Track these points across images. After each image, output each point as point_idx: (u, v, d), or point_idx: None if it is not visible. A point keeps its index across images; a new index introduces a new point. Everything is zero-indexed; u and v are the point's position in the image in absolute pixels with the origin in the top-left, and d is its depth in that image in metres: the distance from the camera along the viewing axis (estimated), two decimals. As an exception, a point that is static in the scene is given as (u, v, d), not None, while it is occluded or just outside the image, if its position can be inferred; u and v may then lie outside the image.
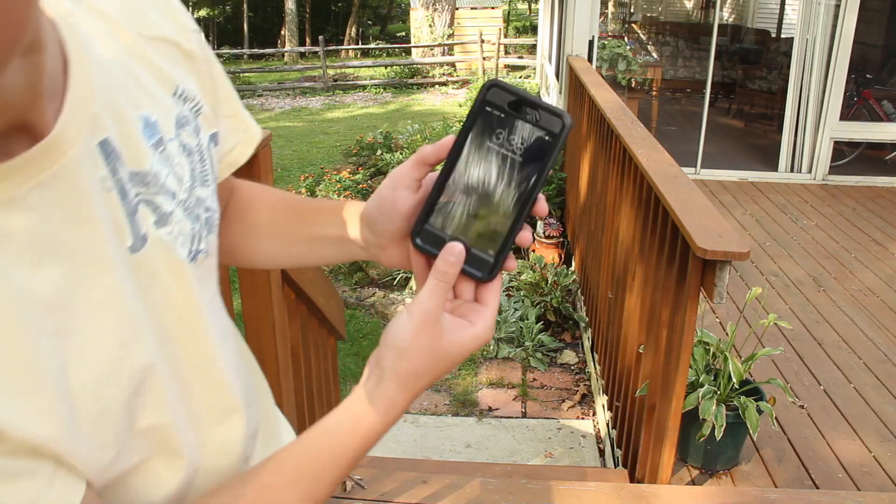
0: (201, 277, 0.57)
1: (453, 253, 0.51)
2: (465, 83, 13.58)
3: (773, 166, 5.88)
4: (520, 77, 12.45)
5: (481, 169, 0.51)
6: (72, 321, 0.44)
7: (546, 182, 0.53)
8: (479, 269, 0.52)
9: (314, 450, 0.54)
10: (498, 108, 0.50)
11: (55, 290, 0.43)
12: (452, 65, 14.85)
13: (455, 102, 12.09)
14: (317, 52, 14.41)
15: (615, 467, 2.66)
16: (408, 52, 16.33)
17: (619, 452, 2.63)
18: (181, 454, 0.53)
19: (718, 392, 2.20)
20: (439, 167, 0.54)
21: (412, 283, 4.73)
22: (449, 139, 0.52)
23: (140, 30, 0.54)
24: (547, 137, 0.50)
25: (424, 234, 0.53)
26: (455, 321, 0.53)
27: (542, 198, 0.52)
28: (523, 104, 0.50)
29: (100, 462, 0.46)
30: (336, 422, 0.54)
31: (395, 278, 5.01)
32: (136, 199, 0.49)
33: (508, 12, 22.69)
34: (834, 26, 5.38)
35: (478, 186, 0.51)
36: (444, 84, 14.02)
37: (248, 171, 1.64)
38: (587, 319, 3.86)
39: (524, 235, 0.52)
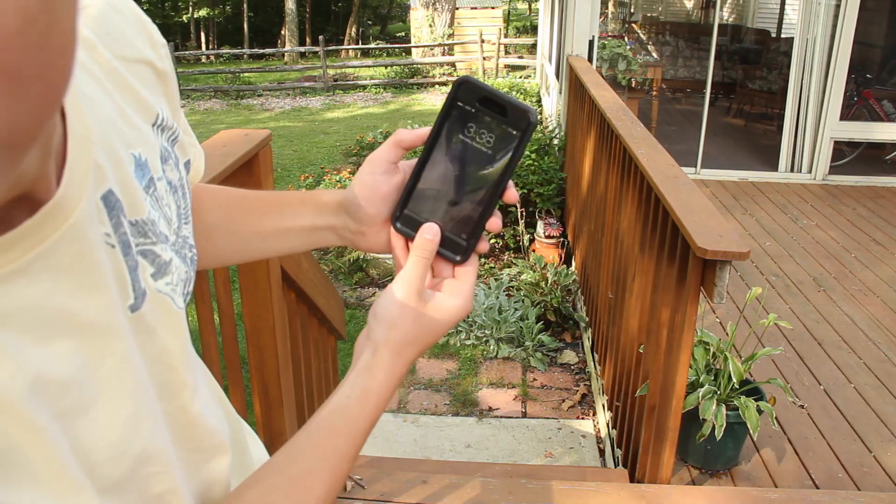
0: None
1: (430, 231, 0.56)
2: (465, 83, 13.57)
3: (773, 166, 5.88)
4: (520, 77, 12.45)
5: (454, 160, 0.56)
6: (86, 396, 0.41)
7: (514, 174, 0.57)
8: (453, 252, 0.57)
9: (330, 427, 0.54)
10: (469, 103, 0.54)
11: (68, 365, 0.40)
12: (452, 65, 14.86)
13: (455, 102, 12.08)
14: (317, 52, 14.41)
15: (615, 467, 2.66)
16: (408, 52, 16.34)
17: (619, 452, 2.63)
18: None
19: (718, 392, 2.20)
20: (416, 152, 0.58)
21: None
22: (426, 129, 0.57)
23: (117, 52, 0.50)
24: (514, 131, 0.54)
25: (404, 219, 0.58)
26: (436, 294, 0.57)
27: (511, 185, 0.56)
28: (492, 100, 0.54)
29: None
30: (343, 397, 0.55)
31: (394, 278, 5.01)
32: (136, 248, 0.46)
33: (508, 12, 22.69)
34: (834, 26, 5.38)
35: (451, 176, 0.56)
36: (444, 84, 14.02)
37: (249, 170, 1.64)
38: (587, 319, 3.86)
39: (494, 221, 0.57)
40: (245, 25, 22.96)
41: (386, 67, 14.95)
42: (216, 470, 0.58)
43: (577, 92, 4.67)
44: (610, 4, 10.53)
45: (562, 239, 4.89)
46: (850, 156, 5.96)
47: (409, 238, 0.58)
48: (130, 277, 0.45)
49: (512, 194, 0.57)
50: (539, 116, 7.88)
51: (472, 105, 0.54)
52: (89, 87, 0.46)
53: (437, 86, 14.02)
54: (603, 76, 4.43)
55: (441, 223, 0.57)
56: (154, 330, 0.48)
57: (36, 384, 0.37)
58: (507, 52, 15.05)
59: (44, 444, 0.37)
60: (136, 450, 0.45)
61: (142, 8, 0.57)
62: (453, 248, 0.57)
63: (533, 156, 5.00)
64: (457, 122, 0.55)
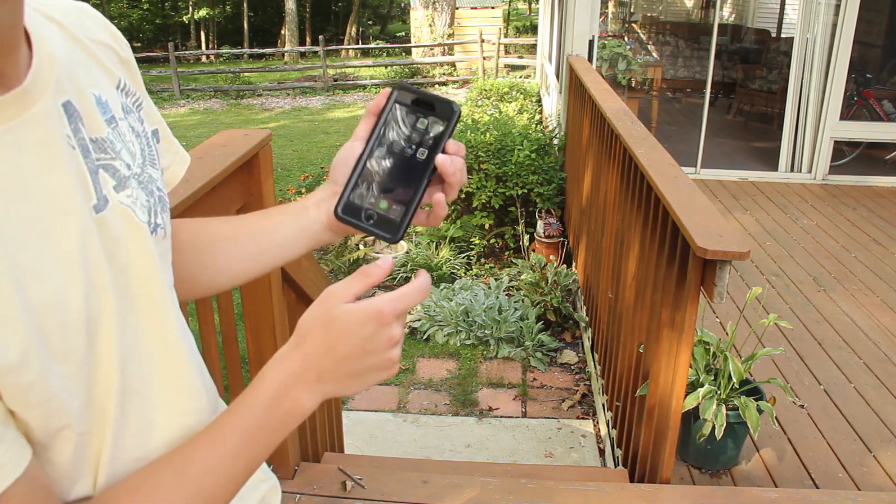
0: (163, 255, 0.58)
1: (386, 261, 0.57)
2: (465, 83, 13.57)
3: (773, 166, 5.88)
4: (520, 77, 12.44)
5: (391, 151, 0.63)
6: (45, 261, 0.44)
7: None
8: (387, 232, 0.62)
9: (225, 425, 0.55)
10: (404, 104, 0.63)
11: (28, 229, 0.44)
12: (453, 64, 14.85)
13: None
14: (317, 52, 14.40)
15: (615, 467, 2.66)
16: (408, 51, 16.33)
17: (619, 452, 2.63)
18: (113, 437, 0.52)
19: (718, 392, 2.20)
20: None
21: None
22: (383, 97, 0.64)
23: (83, 33, 0.57)
24: (441, 122, 0.62)
25: (346, 207, 0.63)
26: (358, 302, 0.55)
27: (445, 159, 0.61)
28: (423, 99, 0.63)
29: (70, 407, 0.46)
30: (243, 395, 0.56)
31: (395, 278, 5.01)
32: (97, 162, 0.51)
33: (508, 12, 22.68)
34: (834, 26, 5.38)
35: (389, 164, 0.63)
36: (444, 84, 14.01)
37: (249, 170, 1.64)
38: (587, 319, 3.86)
39: (437, 199, 0.62)
40: (245, 25, 22.94)
41: (386, 67, 14.94)
42: (193, 422, 0.59)
43: (577, 92, 4.67)
44: (610, 4, 10.52)
45: (562, 239, 4.89)
46: (850, 156, 5.96)
47: (351, 226, 0.62)
48: (91, 179, 0.50)
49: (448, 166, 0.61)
50: (539, 116, 7.88)
51: (407, 105, 0.63)
52: (58, 42, 0.52)
53: (437, 86, 14.00)
54: (603, 76, 4.43)
55: (378, 207, 0.62)
56: (118, 238, 0.52)
57: None
58: (507, 52, 15.04)
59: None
60: (86, 330, 0.48)
61: (142, 8, 0.61)
62: (388, 229, 0.62)
63: (533, 156, 5.00)
64: (394, 119, 0.63)
